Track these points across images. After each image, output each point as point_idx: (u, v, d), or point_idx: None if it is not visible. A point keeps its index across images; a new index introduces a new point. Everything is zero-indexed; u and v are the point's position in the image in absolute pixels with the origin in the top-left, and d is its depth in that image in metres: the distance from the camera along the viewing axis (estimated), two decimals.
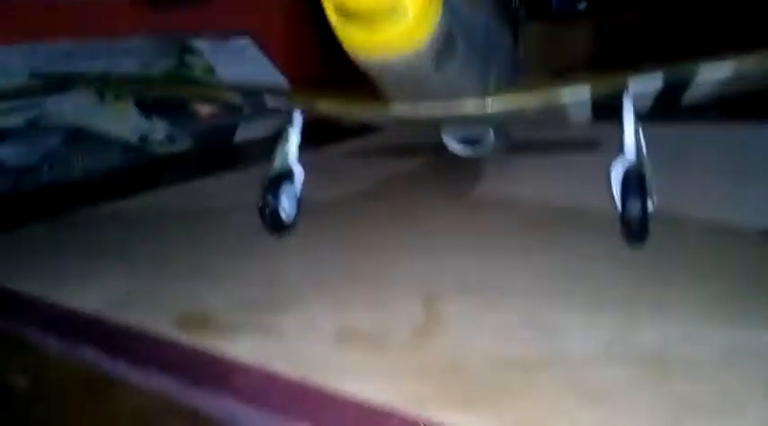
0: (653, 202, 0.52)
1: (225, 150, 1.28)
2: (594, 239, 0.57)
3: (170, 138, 1.20)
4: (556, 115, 0.60)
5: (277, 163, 0.64)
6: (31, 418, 0.36)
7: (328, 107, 0.64)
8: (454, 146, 0.70)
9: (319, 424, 0.32)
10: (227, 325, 0.44)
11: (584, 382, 0.34)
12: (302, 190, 0.65)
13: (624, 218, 0.52)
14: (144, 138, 1.17)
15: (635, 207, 0.51)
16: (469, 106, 0.54)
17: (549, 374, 0.35)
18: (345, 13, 0.40)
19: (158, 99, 1.19)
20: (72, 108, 1.10)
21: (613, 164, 0.54)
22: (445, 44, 0.44)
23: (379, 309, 0.46)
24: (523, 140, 0.89)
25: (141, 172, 1.11)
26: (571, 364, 0.36)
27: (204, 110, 1.26)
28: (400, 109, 0.56)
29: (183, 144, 1.22)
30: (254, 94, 0.68)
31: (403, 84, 0.49)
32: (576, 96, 0.55)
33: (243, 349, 0.40)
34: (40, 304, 0.50)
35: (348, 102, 0.62)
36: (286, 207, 0.63)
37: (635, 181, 0.52)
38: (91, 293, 0.51)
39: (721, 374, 0.34)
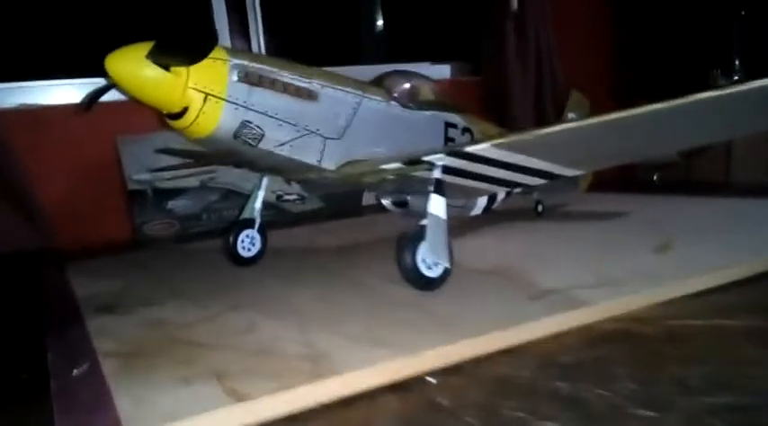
0: (436, 259, 0.63)
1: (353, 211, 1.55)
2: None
3: (300, 198, 1.52)
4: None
5: (244, 213, 0.88)
6: None
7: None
8: (389, 206, 0.86)
9: None
10: None
11: None
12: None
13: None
14: (279, 197, 1.51)
15: (405, 258, 0.62)
16: (310, 173, 0.71)
17: None
18: (167, 117, 0.64)
19: None
20: (235, 173, 1.49)
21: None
22: (243, 128, 0.64)
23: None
24: None
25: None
26: None
27: None
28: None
29: (314, 203, 1.53)
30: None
31: (233, 156, 0.70)
32: (396, 169, 0.68)
33: None
34: None
35: None
36: (247, 245, 0.86)
37: (410, 241, 0.63)
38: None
39: None
